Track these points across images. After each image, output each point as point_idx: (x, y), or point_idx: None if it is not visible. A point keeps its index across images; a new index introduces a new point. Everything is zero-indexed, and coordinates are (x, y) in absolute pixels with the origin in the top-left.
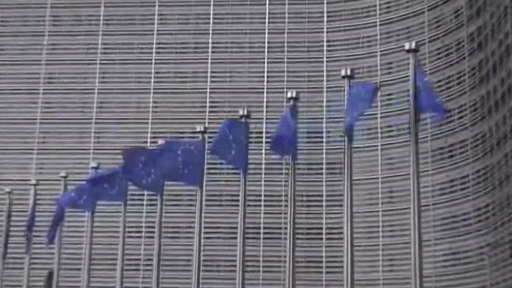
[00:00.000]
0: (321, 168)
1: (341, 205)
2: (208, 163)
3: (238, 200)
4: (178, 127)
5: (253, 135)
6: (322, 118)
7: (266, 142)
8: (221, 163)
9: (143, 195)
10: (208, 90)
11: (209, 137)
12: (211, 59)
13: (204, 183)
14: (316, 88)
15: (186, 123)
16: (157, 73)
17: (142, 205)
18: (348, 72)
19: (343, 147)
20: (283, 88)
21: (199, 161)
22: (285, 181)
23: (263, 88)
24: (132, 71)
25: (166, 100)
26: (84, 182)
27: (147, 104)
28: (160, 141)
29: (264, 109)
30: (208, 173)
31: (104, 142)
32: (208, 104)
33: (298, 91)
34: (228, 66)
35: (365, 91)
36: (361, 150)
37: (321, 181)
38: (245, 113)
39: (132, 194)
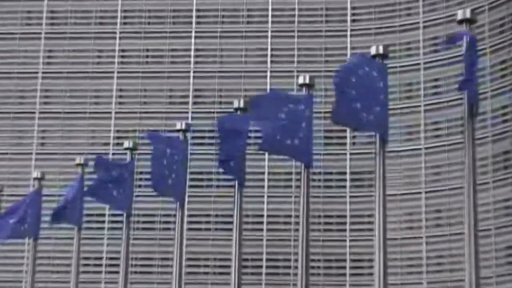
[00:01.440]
0: (344, 179)
1: (370, 229)
2: (193, 172)
3: (231, 222)
4: (152, 123)
5: (253, 135)
6: None
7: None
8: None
9: (103, 215)
10: (191, 74)
11: (194, 137)
12: (196, 32)
13: (186, 199)
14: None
15: (161, 117)
16: (123, 51)
17: (103, 229)
18: (380, 50)
19: (373, 151)
20: (293, 71)
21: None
22: (296, 196)
23: (266, 71)
24: (89, 48)
25: (134, 88)
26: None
27: (109, 93)
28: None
29: None
30: (192, 186)
31: (50, 145)
32: (191, 93)
33: (312, 75)
34: (218, 42)
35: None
36: (398, 155)
37: (344, 196)
38: (241, 105)
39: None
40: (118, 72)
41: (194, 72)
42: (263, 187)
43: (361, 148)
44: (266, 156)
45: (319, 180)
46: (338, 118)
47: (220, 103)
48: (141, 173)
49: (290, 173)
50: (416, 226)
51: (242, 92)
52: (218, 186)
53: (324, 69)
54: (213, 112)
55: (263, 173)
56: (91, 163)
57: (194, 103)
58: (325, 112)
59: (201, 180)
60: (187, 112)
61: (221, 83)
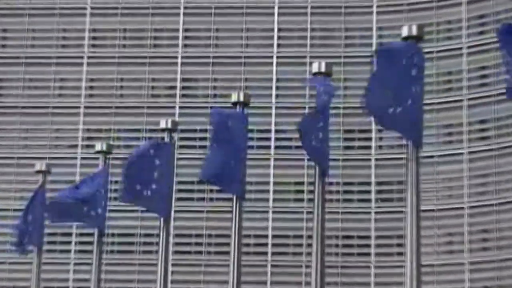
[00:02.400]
0: (368, 191)
1: (400, 254)
2: (181, 182)
3: (228, 244)
4: (129, 120)
5: (255, 135)
6: None
7: (279, 147)
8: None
9: (69, 235)
10: (179, 60)
11: (182, 138)
12: (185, 8)
13: (172, 215)
14: (358, 58)
15: (141, 114)
16: (94, 30)
17: (69, 251)
18: (414, 31)
19: (404, 156)
20: (305, 56)
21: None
22: (308, 212)
23: (271, 57)
24: (52, 27)
25: (109, 77)
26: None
27: (78, 84)
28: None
29: (273, 91)
30: (180, 199)
31: (3, 147)
32: (179, 84)
33: (329, 61)
34: (212, 20)
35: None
36: (435, 161)
37: (368, 212)
38: (241, 98)
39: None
40: (89, 57)
41: (182, 57)
42: (267, 200)
43: (389, 153)
44: (271, 161)
45: (337, 192)
46: (370, 107)
47: (215, 96)
48: (116, 182)
49: (301, 183)
50: (457, 249)
51: (242, 83)
52: (212, 199)
53: (344, 54)
54: (206, 107)
55: (267, 183)
56: (56, 170)
57: (183, 95)
58: (345, 108)
59: (191, 191)
60: (173, 107)
61: (216, 72)
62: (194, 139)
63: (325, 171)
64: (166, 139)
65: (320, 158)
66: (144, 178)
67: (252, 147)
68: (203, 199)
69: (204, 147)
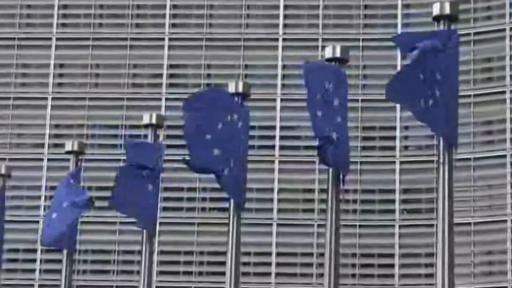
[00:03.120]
0: (391, 200)
1: (430, 276)
2: (168, 189)
3: (223, 263)
4: (106, 114)
5: (256, 132)
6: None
7: (285, 147)
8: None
9: (33, 251)
10: (166, 42)
11: (170, 136)
12: None
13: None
14: (380, 41)
15: (121, 106)
16: (65, 7)
17: (33, 271)
18: (446, 9)
19: (434, 158)
20: (316, 39)
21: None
22: (320, 225)
23: (276, 39)
24: (15, 3)
25: (81, 62)
26: None
27: (44, 70)
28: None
29: (279, 80)
30: (167, 209)
31: None
32: (165, 71)
33: (345, 45)
34: None
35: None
36: (472, 164)
37: (391, 225)
38: (240, 88)
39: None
40: (58, 39)
41: (170, 39)
42: (270, 211)
43: (417, 154)
44: (276, 164)
45: (355, 201)
46: (392, 95)
47: (209, 85)
48: (89, 188)
49: (312, 191)
50: (498, 271)
51: (241, 70)
52: (204, 209)
53: (363, 37)
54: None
55: (270, 190)
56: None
57: (170, 85)
58: (363, 101)
59: (180, 199)
60: (159, 99)
61: (210, 57)
62: (183, 137)
63: (344, 173)
64: (150, 137)
65: (336, 160)
66: (138, 182)
67: (252, 147)
68: (193, 208)
69: None
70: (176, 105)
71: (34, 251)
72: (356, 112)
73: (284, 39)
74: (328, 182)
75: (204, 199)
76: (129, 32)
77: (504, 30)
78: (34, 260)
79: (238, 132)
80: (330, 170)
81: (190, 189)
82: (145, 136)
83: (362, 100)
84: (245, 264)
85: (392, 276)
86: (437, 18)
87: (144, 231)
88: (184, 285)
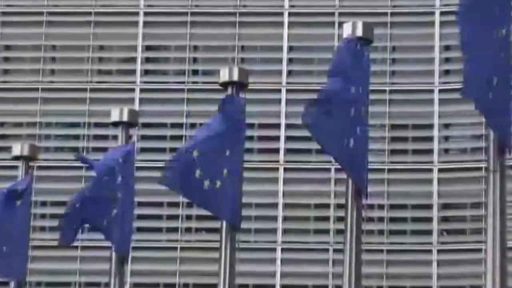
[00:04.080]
0: (428, 219)
1: None
2: (144, 204)
3: None
4: (65, 109)
5: (255, 132)
6: (432, 91)
7: (292, 151)
8: (171, 208)
9: None
10: (141, 17)
11: (143, 137)
12: None
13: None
14: (414, 15)
15: (83, 100)
16: None
17: None
18: None
19: (482, 165)
20: (332, 13)
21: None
22: (337, 250)
23: (281, 14)
24: None
25: (32, 43)
26: None
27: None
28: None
29: (284, 66)
30: (142, 230)
31: None
32: (140, 54)
33: (368, 21)
34: None
35: None
36: None
37: (428, 250)
38: (236, 76)
39: None
40: (2, 14)
41: (146, 14)
42: (274, 232)
43: (460, 159)
44: (280, 172)
45: (381, 219)
46: (468, 93)
47: (195, 72)
48: (43, 204)
49: (326, 206)
50: None
51: (236, 53)
52: (189, 230)
53: (392, 10)
54: (182, 90)
55: (274, 205)
56: None
57: (146, 72)
58: (392, 92)
59: (158, 218)
60: (131, 90)
61: (197, 36)
62: (162, 138)
63: (362, 188)
64: (121, 139)
65: (355, 168)
66: (106, 199)
67: (250, 150)
68: (176, 229)
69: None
70: (153, 97)
71: None
72: (382, 105)
73: (290, 14)
74: (347, 195)
75: (189, 217)
76: (94, 4)
77: None
78: None
79: (231, 132)
80: (350, 180)
81: (171, 204)
82: (114, 137)
83: (391, 91)
84: None
85: None
86: None
87: (113, 258)
88: None
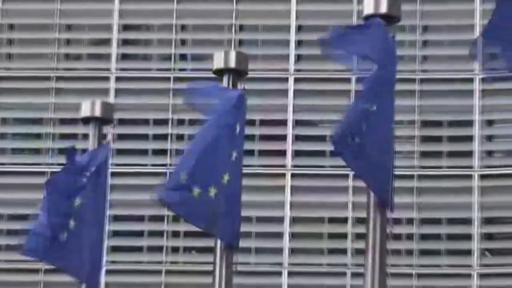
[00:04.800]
0: (467, 236)
1: None
2: (120, 218)
3: None
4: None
5: (257, 131)
6: (472, 80)
7: (301, 154)
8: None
9: None
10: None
11: (120, 136)
12: None
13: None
14: None
15: (48, 90)
16: None
17: None
18: None
19: None
20: None
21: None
22: (356, 274)
23: None
24: None
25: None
26: None
27: None
28: None
29: (291, 50)
30: (119, 250)
31: None
32: (116, 35)
33: None
34: None
35: None
36: None
37: (467, 274)
38: (232, 63)
39: None
40: None
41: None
42: (279, 252)
43: (505, 165)
44: (287, 179)
45: (410, 236)
46: None
47: (183, 57)
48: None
49: (343, 220)
50: None
51: (233, 34)
52: (176, 250)
53: None
54: (167, 79)
55: (280, 219)
56: None
57: (124, 57)
58: (423, 81)
59: (139, 235)
60: (107, 79)
61: (184, 12)
62: (143, 137)
63: (386, 199)
64: (92, 138)
65: (376, 175)
66: (63, 212)
67: (251, 152)
68: (159, 248)
69: (160, 152)
70: (132, 87)
71: None
72: (411, 98)
73: None
74: (369, 208)
75: (176, 234)
76: None
77: None
78: None
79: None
80: (371, 190)
81: (154, 219)
82: (85, 135)
83: (422, 81)
84: None
85: None
86: None
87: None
88: None
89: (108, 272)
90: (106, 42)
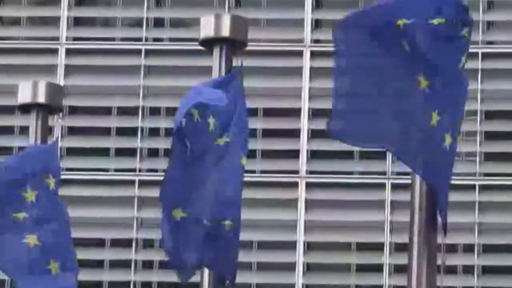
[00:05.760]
0: (508, 255)
1: None
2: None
3: None
4: None
5: (260, 124)
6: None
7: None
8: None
9: None
10: None
11: (72, 130)
12: None
13: None
14: None
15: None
16: None
17: None
18: None
19: None
20: None
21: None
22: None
23: None
24: None
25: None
26: None
27: None
28: None
29: (307, 15)
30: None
31: None
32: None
33: None
34: None
35: None
36: None
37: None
38: (225, 31)
39: None
40: None
41: None
42: (291, 277)
43: None
44: (301, 190)
45: (469, 270)
46: None
47: (159, 23)
48: None
49: (376, 247)
50: None
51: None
52: (148, 286)
53: None
54: (137, 53)
55: (290, 244)
56: None
57: (77, 22)
58: (486, 57)
59: (99, 265)
60: (55, 52)
61: None
62: (104, 131)
63: (442, 215)
64: (34, 131)
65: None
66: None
67: (253, 153)
68: (126, 284)
69: (127, 152)
70: (88, 64)
71: None
72: (472, 79)
73: None
74: (412, 230)
75: (148, 265)
76: None
77: None
78: None
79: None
80: (418, 201)
81: (117, 243)
82: (23, 128)
83: (485, 56)
84: None
85: None
86: None
87: None
88: None
89: None
90: (54, 2)
